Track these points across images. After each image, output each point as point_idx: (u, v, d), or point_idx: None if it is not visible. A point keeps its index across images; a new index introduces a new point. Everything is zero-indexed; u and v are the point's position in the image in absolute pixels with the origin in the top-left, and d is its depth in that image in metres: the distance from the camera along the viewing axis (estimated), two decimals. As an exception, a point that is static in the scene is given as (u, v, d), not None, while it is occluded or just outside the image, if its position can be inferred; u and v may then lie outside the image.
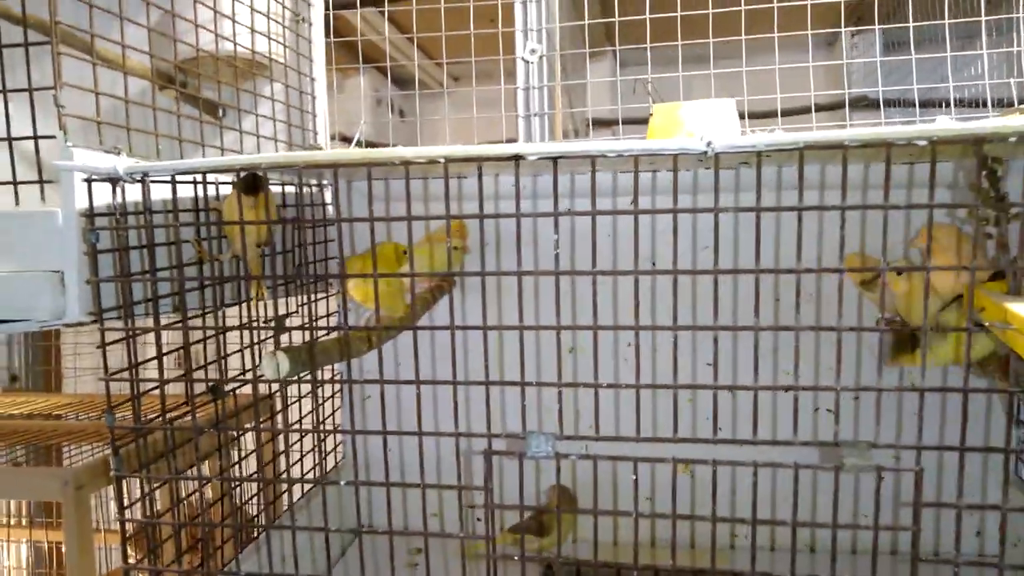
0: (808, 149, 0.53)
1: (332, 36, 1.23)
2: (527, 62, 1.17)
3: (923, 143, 0.51)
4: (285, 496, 1.08)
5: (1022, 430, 0.97)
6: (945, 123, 0.51)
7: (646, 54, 1.14)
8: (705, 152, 0.54)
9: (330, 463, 1.15)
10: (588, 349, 1.05)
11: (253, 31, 1.03)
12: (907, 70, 1.10)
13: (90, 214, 0.66)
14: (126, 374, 0.66)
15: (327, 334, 0.93)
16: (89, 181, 0.66)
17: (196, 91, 1.00)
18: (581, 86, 1.45)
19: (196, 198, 0.80)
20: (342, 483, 0.58)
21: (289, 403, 1.09)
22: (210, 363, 0.85)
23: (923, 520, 0.54)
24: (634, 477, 0.58)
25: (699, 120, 0.81)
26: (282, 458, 1.09)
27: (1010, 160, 0.98)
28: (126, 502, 0.68)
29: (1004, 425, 0.96)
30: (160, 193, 0.71)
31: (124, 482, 0.68)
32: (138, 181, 0.66)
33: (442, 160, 0.57)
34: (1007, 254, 0.57)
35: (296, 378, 0.64)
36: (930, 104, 1.25)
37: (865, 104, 1.36)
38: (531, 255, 1.03)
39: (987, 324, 0.51)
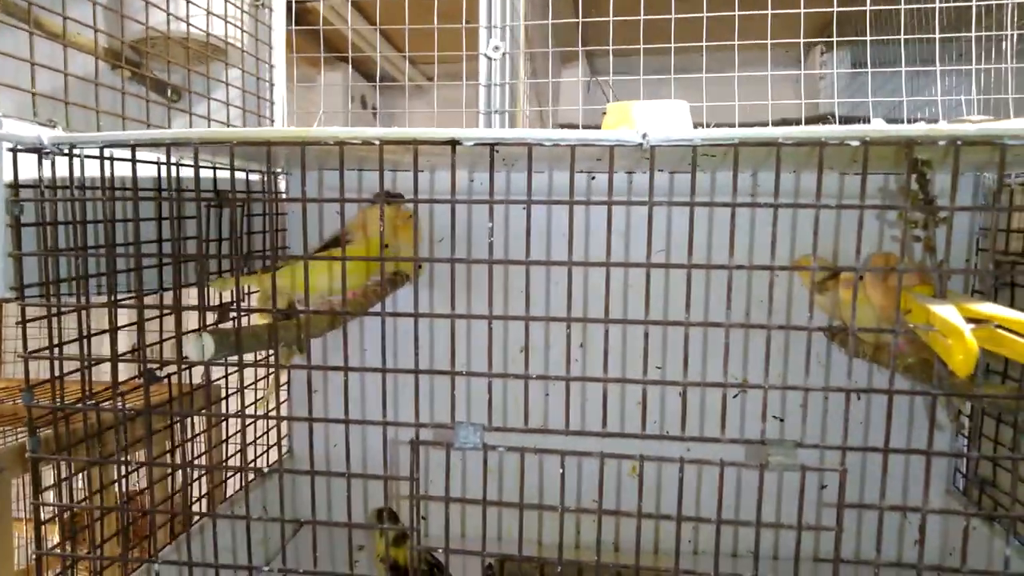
0: (743, 145, 0.53)
1: (294, 24, 1.21)
2: (490, 59, 1.16)
3: (855, 143, 0.51)
4: (225, 489, 1.05)
5: (959, 441, 0.99)
6: (878, 125, 0.51)
7: (618, 60, 1.15)
8: (640, 144, 0.54)
9: (276, 456, 1.13)
10: (538, 348, 1.05)
11: (209, 13, 1.01)
12: (877, 90, 1.13)
13: (15, 185, 0.64)
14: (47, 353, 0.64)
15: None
16: (15, 151, 0.64)
17: (148, 72, 0.98)
18: (553, 90, 1.45)
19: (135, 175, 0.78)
20: (265, 469, 0.56)
21: (230, 393, 1.07)
22: (150, 346, 0.83)
23: (847, 522, 0.54)
24: (561, 471, 0.57)
25: (651, 118, 0.81)
26: (223, 448, 1.07)
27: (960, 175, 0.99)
28: (43, 486, 0.65)
29: (945, 430, 0.98)
30: (107, 172, 0.69)
31: (41, 466, 0.65)
32: (65, 154, 0.64)
33: (376, 142, 0.56)
34: (934, 257, 0.58)
35: (224, 361, 0.63)
36: (894, 123, 1.27)
37: (830, 122, 1.38)
38: (469, 251, 1.03)
39: (912, 326, 0.51)
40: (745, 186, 0.97)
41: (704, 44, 1.14)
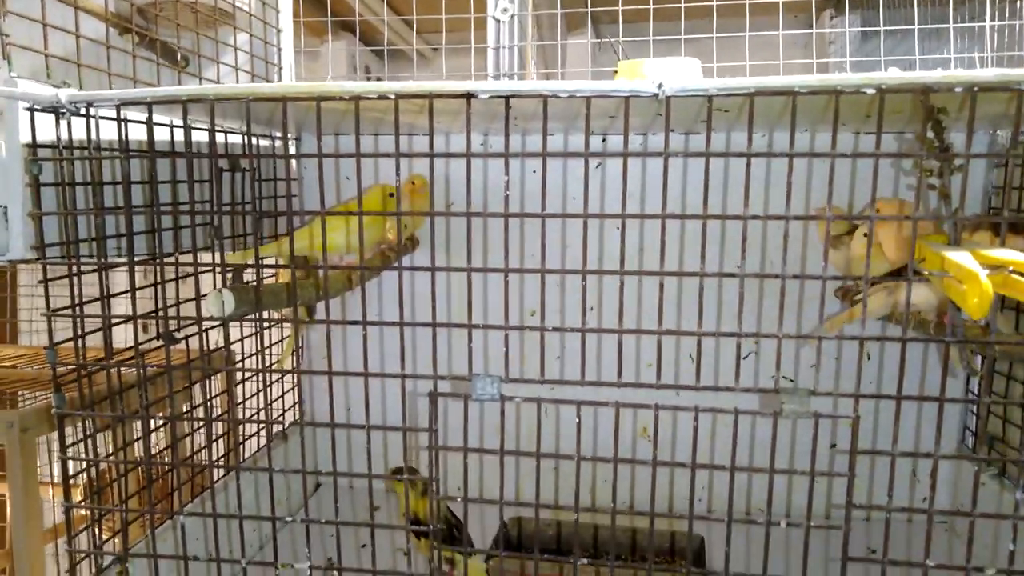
0: (758, 95, 0.53)
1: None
2: (498, 21, 1.15)
3: (871, 91, 0.51)
4: (243, 450, 1.07)
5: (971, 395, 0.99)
6: (893, 72, 0.51)
7: (626, 27, 1.14)
8: (656, 95, 0.54)
9: (292, 419, 1.15)
10: (553, 304, 1.06)
11: (216, -24, 1.01)
12: (887, 53, 1.12)
13: (33, 145, 0.65)
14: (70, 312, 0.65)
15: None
16: (32, 111, 0.64)
17: (156, 36, 0.98)
18: (560, 56, 1.44)
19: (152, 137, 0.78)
20: (284, 427, 0.57)
21: (247, 356, 1.08)
22: (170, 306, 0.83)
23: (861, 471, 0.55)
24: (577, 420, 0.58)
25: (662, 76, 0.80)
26: (242, 411, 1.09)
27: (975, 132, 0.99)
28: (68, 441, 0.67)
29: (959, 379, 0.99)
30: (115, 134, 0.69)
31: (65, 423, 0.67)
32: (82, 114, 0.64)
33: (392, 96, 0.56)
34: (949, 205, 0.58)
35: (242, 318, 0.64)
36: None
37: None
38: (485, 210, 1.04)
39: (926, 273, 0.51)
40: (760, 147, 0.97)
41: (715, 3, 1.13)
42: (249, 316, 0.64)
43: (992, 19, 1.22)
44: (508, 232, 0.56)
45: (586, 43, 2.04)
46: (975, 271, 0.46)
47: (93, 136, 0.65)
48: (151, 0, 0.97)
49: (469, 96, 0.55)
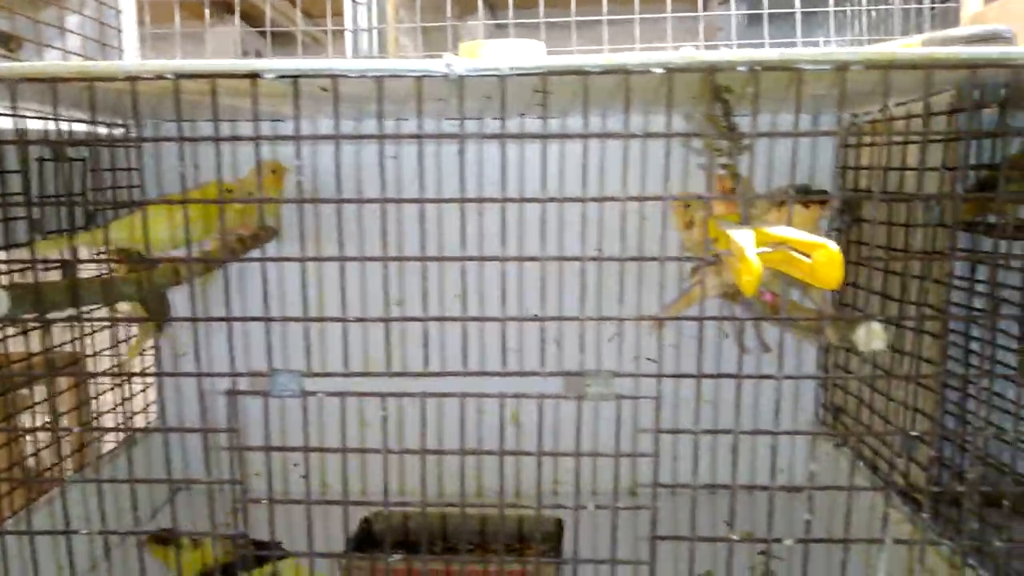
0: (550, 74, 0.52)
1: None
2: (356, 3, 1.12)
3: (660, 71, 0.51)
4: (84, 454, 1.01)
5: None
6: (684, 52, 0.51)
7: (522, 11, 1.13)
8: (446, 75, 0.52)
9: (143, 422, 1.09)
10: (411, 300, 1.03)
11: (39, -50, 0.94)
12: (772, 37, 1.14)
13: None
14: None
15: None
16: None
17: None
18: (453, 40, 1.41)
19: None
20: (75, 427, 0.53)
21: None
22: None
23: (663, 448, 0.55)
24: (383, 413, 0.56)
25: (498, 57, 0.79)
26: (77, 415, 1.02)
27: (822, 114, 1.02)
28: None
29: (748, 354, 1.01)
30: None
31: None
32: None
33: (171, 76, 0.52)
34: (738, 184, 0.59)
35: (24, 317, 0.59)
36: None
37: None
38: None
39: (716, 253, 0.52)
40: (596, 128, 0.96)
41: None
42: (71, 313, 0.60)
43: (863, 3, 1.27)
44: (303, 220, 0.53)
45: (479, 25, 2.02)
46: (743, 248, 0.46)
47: None
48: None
49: (254, 76, 0.52)
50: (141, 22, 1.11)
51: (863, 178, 0.92)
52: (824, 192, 0.67)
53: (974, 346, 0.80)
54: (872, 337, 0.54)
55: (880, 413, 0.84)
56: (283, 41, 2.24)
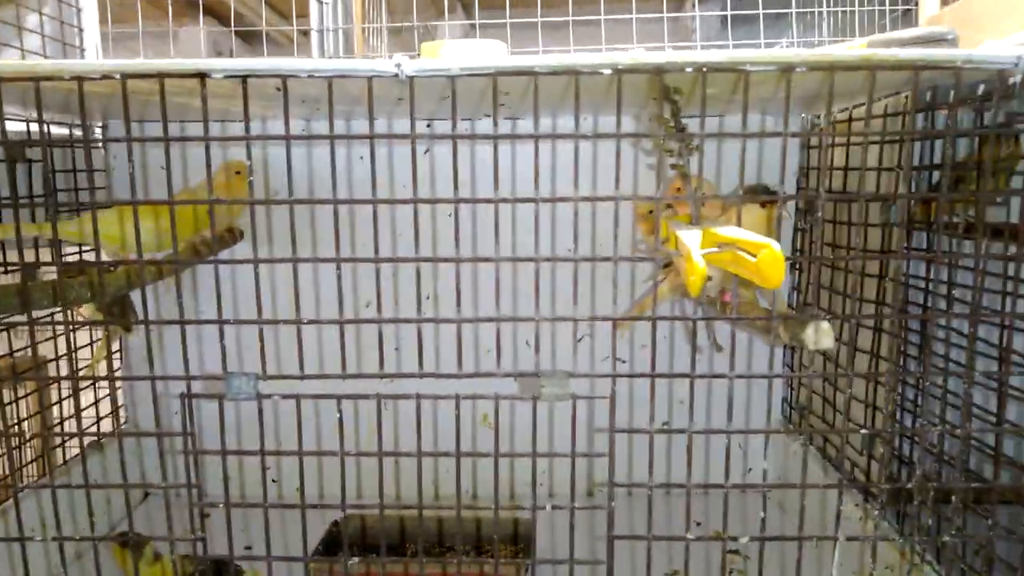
0: (500, 75, 0.52)
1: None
2: (321, 3, 1.11)
3: (608, 72, 0.51)
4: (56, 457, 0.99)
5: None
6: (632, 53, 0.51)
7: (498, 11, 1.13)
8: (396, 75, 0.52)
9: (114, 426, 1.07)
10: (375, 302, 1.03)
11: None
12: (742, 38, 1.15)
13: None
14: None
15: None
16: None
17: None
18: (419, 41, 1.41)
19: None
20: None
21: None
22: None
23: (618, 448, 0.55)
24: (338, 415, 0.56)
25: (455, 57, 0.79)
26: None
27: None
28: None
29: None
30: None
31: None
32: None
33: (118, 76, 0.52)
34: (688, 184, 0.59)
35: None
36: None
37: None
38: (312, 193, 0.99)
39: (667, 254, 0.52)
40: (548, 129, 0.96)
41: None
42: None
43: (827, 5, 1.29)
44: (255, 220, 0.53)
45: (458, 25, 2.01)
46: (688, 249, 0.47)
47: None
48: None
49: (202, 76, 0.52)
50: (104, 21, 1.10)
51: (836, 178, 0.93)
52: (772, 192, 0.67)
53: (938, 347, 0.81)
54: (821, 336, 0.54)
55: (840, 411, 0.85)
56: (257, 41, 2.22)
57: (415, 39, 1.37)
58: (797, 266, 1.05)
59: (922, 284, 0.79)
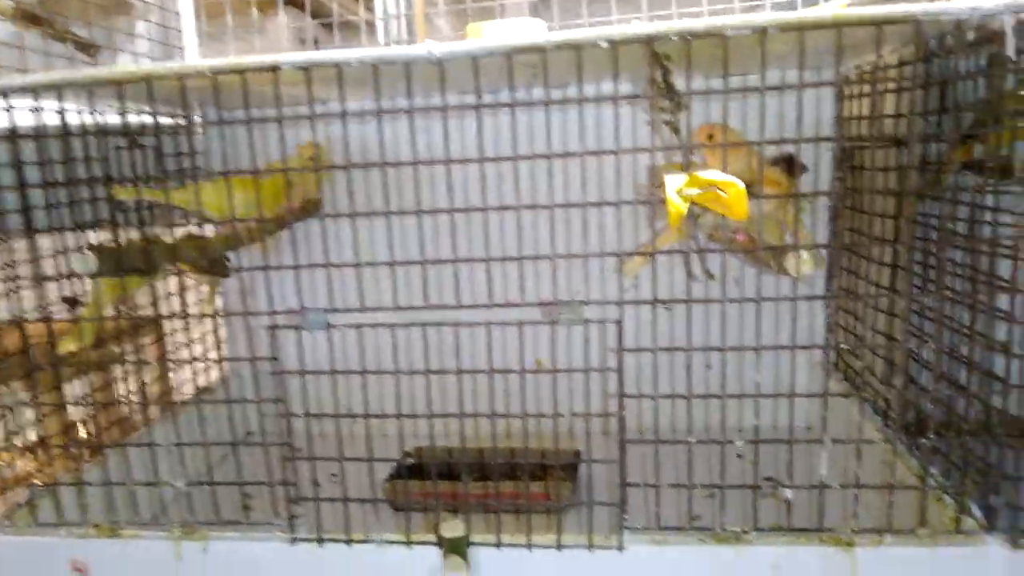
0: (515, 52, 0.62)
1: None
2: (383, -8, 1.23)
3: (605, 44, 0.60)
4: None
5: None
6: (626, 27, 0.60)
7: None
8: (427, 58, 0.62)
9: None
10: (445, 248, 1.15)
11: (108, -34, 1.08)
12: None
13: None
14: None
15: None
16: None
17: (61, 27, 1.06)
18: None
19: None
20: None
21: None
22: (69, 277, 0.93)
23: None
24: (392, 341, 0.68)
25: (497, 36, 0.89)
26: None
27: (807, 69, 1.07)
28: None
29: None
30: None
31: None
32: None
33: (209, 74, 0.65)
34: (679, 136, 0.67)
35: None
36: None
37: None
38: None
39: (664, 198, 0.61)
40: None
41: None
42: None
43: None
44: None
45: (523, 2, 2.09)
46: (667, 192, 0.55)
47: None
48: (46, -6, 1.04)
49: (274, 68, 0.64)
50: (199, 19, 1.26)
51: (864, 127, 0.98)
52: (802, 166, 0.75)
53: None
54: (802, 264, 0.62)
55: (867, 343, 0.91)
56: (337, 29, 2.36)
57: (494, 15, 1.46)
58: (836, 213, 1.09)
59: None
